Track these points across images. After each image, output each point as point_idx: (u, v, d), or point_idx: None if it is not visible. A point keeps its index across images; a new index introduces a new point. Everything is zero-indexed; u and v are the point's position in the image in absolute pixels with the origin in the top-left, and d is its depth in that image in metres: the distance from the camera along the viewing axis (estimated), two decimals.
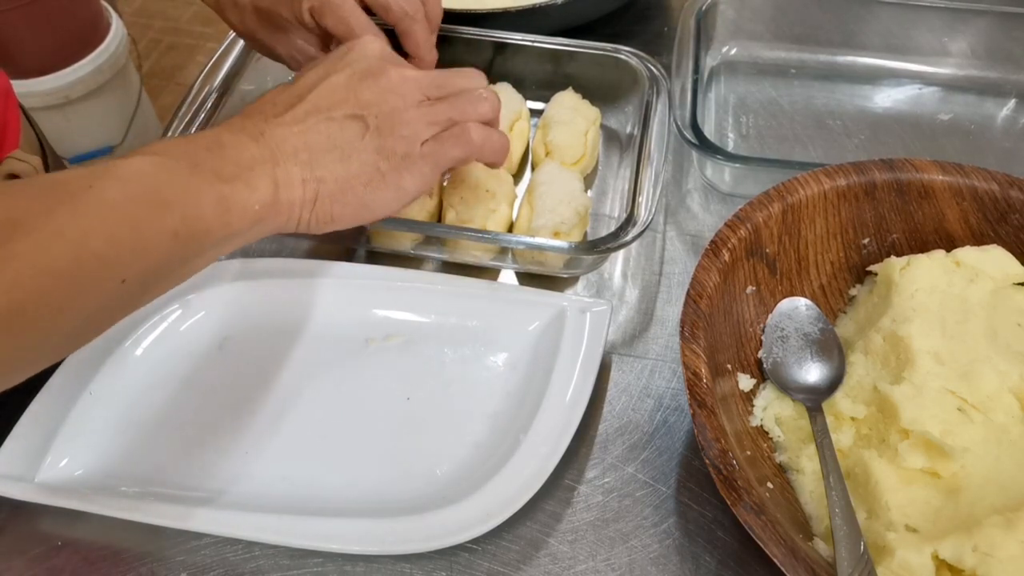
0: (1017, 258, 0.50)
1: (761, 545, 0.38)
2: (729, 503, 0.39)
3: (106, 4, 1.68)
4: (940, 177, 0.51)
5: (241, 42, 0.68)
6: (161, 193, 0.40)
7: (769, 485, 0.45)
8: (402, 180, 0.50)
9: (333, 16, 0.55)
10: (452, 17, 0.70)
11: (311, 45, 0.58)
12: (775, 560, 0.38)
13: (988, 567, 0.38)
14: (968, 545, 0.39)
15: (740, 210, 0.50)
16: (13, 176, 0.61)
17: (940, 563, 0.40)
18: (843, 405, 0.48)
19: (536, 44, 0.67)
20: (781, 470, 0.47)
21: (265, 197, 0.45)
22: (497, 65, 0.69)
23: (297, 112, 0.48)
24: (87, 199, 0.37)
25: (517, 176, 0.66)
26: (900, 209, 0.52)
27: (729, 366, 0.48)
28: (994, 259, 0.50)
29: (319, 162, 0.47)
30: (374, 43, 0.52)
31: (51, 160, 0.67)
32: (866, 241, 0.53)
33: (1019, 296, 0.49)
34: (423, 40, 0.58)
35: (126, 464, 0.50)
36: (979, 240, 0.51)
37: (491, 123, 0.53)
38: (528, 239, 0.55)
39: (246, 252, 0.62)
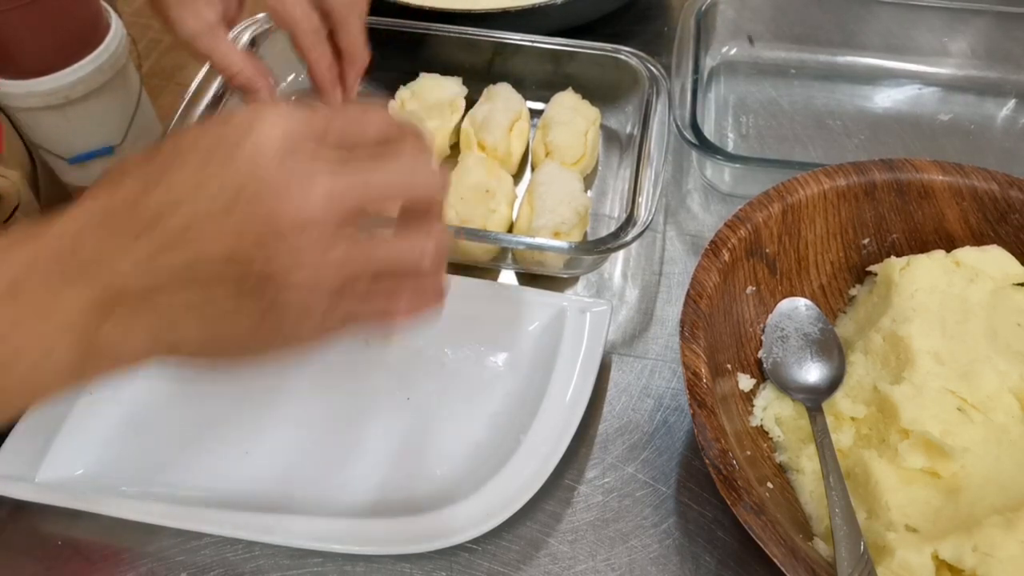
0: (1017, 258, 0.50)
1: (761, 545, 0.38)
2: (729, 503, 0.39)
3: (106, 4, 1.67)
4: (940, 177, 0.51)
5: (242, 41, 0.68)
6: None
7: (769, 485, 0.45)
8: (295, 331, 0.35)
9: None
10: (452, 17, 0.70)
11: (209, 13, 0.50)
12: (775, 560, 0.38)
13: (988, 567, 0.38)
14: (968, 545, 0.39)
15: (740, 210, 0.50)
16: None
17: (940, 563, 0.40)
18: (843, 405, 0.48)
19: (536, 44, 0.67)
20: (781, 470, 0.47)
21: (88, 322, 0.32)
22: (497, 65, 0.69)
23: (152, 249, 0.32)
24: None
25: (517, 176, 0.66)
26: (900, 209, 0.52)
27: (729, 366, 0.48)
28: (994, 259, 0.50)
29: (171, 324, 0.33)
30: (275, 126, 0.32)
31: (40, 167, 0.66)
32: (866, 241, 0.53)
33: (1019, 296, 0.49)
34: (357, 32, 0.52)
35: (126, 464, 0.50)
36: (979, 240, 0.51)
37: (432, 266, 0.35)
38: (528, 239, 0.55)
39: None
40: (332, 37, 0.52)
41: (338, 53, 0.52)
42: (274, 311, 0.33)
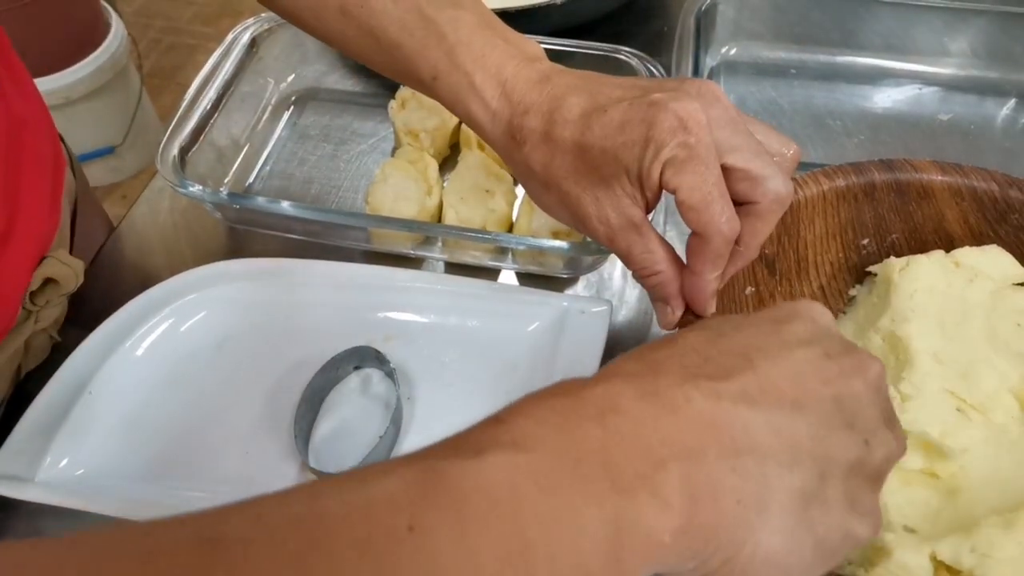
0: (1016, 258, 0.50)
1: None
2: None
3: (106, 4, 1.68)
4: (939, 177, 0.51)
5: (242, 41, 0.67)
6: (521, 525, 0.25)
7: None
8: (853, 525, 0.31)
9: (693, 177, 0.38)
10: None
11: (633, 209, 0.41)
12: None
13: (986, 568, 0.38)
14: (966, 546, 0.39)
15: None
16: (51, 281, 0.53)
17: (938, 564, 0.40)
18: None
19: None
20: None
21: (678, 519, 0.27)
22: None
23: (747, 383, 0.30)
24: (414, 559, 0.23)
25: None
26: (899, 209, 0.52)
27: None
28: (993, 259, 0.50)
29: (766, 474, 0.29)
30: (825, 312, 0.36)
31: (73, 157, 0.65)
32: (865, 242, 0.53)
33: (1018, 296, 0.49)
34: (767, 233, 0.42)
35: (126, 464, 0.50)
36: (978, 240, 0.51)
37: None
38: (528, 239, 0.55)
39: (247, 252, 0.63)
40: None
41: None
42: (859, 477, 0.32)
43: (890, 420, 0.34)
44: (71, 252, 0.59)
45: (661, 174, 0.38)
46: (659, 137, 0.38)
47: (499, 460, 0.26)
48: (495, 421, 0.28)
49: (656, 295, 0.43)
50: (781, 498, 0.29)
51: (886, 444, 0.33)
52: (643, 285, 0.43)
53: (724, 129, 0.39)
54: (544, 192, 0.43)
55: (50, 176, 0.56)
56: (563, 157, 0.41)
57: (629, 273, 0.60)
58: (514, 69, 0.43)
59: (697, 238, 0.40)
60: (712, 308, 0.42)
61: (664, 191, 0.39)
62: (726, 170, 0.39)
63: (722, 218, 0.38)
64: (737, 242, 0.41)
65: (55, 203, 0.57)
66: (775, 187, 0.39)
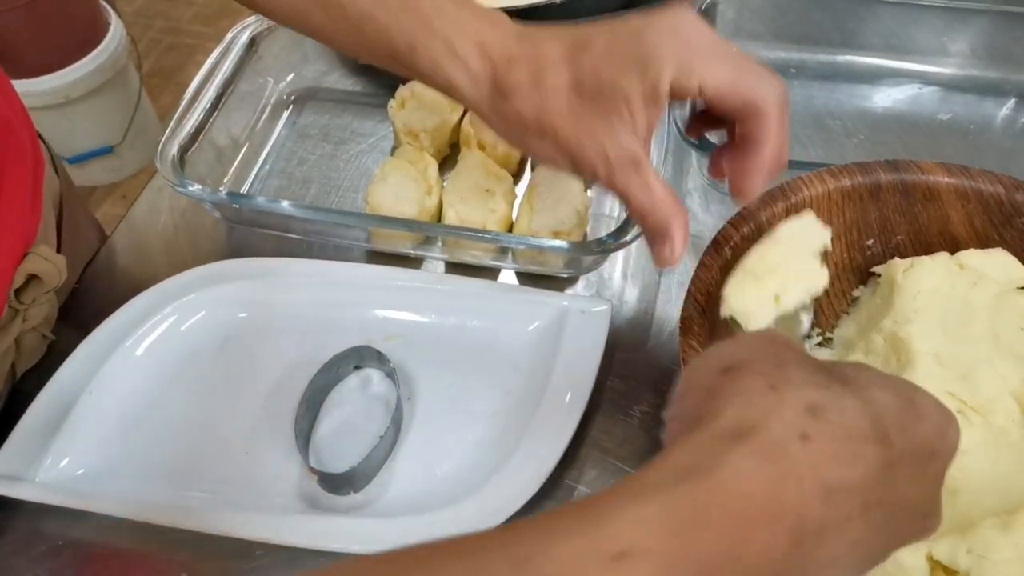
0: (1022, 262, 0.50)
1: None
2: None
3: (106, 4, 1.68)
4: (945, 179, 0.51)
5: (241, 41, 0.67)
6: None
7: None
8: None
9: (713, 64, 0.39)
10: None
11: (631, 140, 0.41)
12: None
13: (982, 569, 0.38)
14: (963, 547, 0.39)
15: (743, 209, 0.50)
16: (34, 277, 0.53)
17: (935, 564, 0.40)
18: None
19: None
20: None
21: None
22: None
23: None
24: None
25: (517, 176, 0.66)
26: (905, 211, 0.52)
27: None
28: (998, 262, 0.50)
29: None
30: (957, 431, 0.32)
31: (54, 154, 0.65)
32: (870, 242, 0.53)
33: (1022, 300, 0.49)
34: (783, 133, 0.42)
35: (126, 464, 0.50)
36: (984, 243, 0.51)
37: None
38: (528, 239, 0.55)
39: (247, 252, 0.63)
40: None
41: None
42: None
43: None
44: (59, 251, 0.59)
45: (675, 84, 0.39)
46: (659, 52, 0.39)
47: None
48: (611, 558, 0.24)
49: (654, 235, 0.43)
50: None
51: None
52: (641, 224, 0.43)
53: (704, 33, 0.40)
54: (539, 140, 0.43)
55: (31, 174, 0.56)
56: (556, 99, 0.41)
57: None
58: (491, 29, 0.43)
59: (751, 121, 0.41)
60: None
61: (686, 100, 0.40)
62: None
63: (764, 78, 0.40)
64: (763, 155, 0.42)
65: (36, 201, 0.57)
66: (773, 86, 0.41)
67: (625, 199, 0.42)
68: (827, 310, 0.53)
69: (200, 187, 0.58)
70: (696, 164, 0.67)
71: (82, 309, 0.59)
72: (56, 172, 0.64)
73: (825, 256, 0.45)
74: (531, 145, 0.44)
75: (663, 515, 0.25)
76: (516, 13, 0.70)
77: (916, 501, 0.31)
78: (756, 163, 0.42)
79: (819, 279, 0.45)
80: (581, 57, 0.41)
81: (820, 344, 0.53)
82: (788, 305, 0.44)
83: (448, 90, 0.44)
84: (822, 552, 0.27)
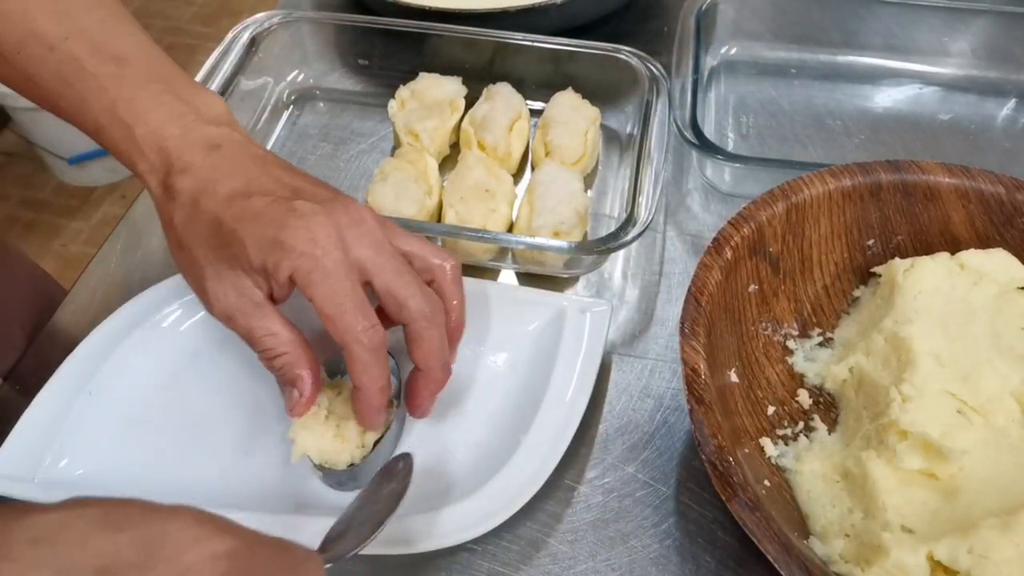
0: (1022, 262, 0.50)
1: (755, 541, 0.38)
2: (724, 499, 0.39)
3: None
4: (946, 179, 0.51)
5: (241, 41, 0.67)
6: None
7: (766, 483, 0.45)
8: None
9: (323, 289, 0.41)
10: (452, 17, 0.70)
11: (254, 291, 0.43)
12: (768, 556, 0.38)
13: (983, 569, 0.38)
14: (963, 547, 0.39)
15: (744, 208, 0.50)
16: None
17: (935, 564, 0.40)
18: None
19: (536, 44, 0.67)
20: (779, 469, 0.47)
21: None
22: (497, 65, 0.69)
23: None
24: None
25: (517, 176, 0.66)
26: (905, 211, 0.52)
27: (729, 364, 0.48)
28: (999, 262, 0.50)
29: None
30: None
31: None
32: (871, 242, 0.53)
33: (1023, 300, 0.49)
34: (436, 350, 0.44)
35: (126, 464, 0.50)
36: (984, 243, 0.51)
37: None
38: (528, 239, 0.55)
39: None
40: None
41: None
42: None
43: None
44: None
45: (291, 279, 0.41)
46: (288, 243, 0.41)
47: None
48: None
49: (283, 378, 0.44)
50: None
51: None
52: (270, 369, 0.44)
53: (365, 248, 0.42)
54: (178, 251, 0.45)
55: None
56: (199, 226, 0.43)
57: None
58: (180, 130, 0.45)
59: (344, 353, 0.42)
60: (380, 424, 0.46)
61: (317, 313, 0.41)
62: (375, 291, 0.42)
63: (358, 327, 0.41)
64: (418, 365, 0.45)
65: None
66: (417, 306, 0.42)
67: (249, 342, 0.43)
68: (827, 310, 0.53)
69: None
70: (696, 164, 0.67)
71: (81, 310, 0.59)
72: None
73: None
74: (173, 250, 0.46)
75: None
76: (516, 13, 0.70)
77: None
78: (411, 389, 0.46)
79: None
80: (236, 204, 0.42)
81: (821, 344, 0.53)
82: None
83: (134, 172, 0.47)
84: None
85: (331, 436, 0.47)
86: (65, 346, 0.53)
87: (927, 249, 0.52)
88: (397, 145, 0.67)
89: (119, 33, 0.48)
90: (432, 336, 0.44)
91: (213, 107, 0.47)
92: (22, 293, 0.66)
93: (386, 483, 0.44)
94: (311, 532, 0.45)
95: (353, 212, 0.43)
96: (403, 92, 0.67)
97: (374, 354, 0.42)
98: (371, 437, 0.48)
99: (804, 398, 0.50)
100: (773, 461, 0.47)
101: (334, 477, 0.48)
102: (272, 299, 0.43)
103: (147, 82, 0.46)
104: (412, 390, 0.46)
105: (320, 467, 0.48)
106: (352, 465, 0.47)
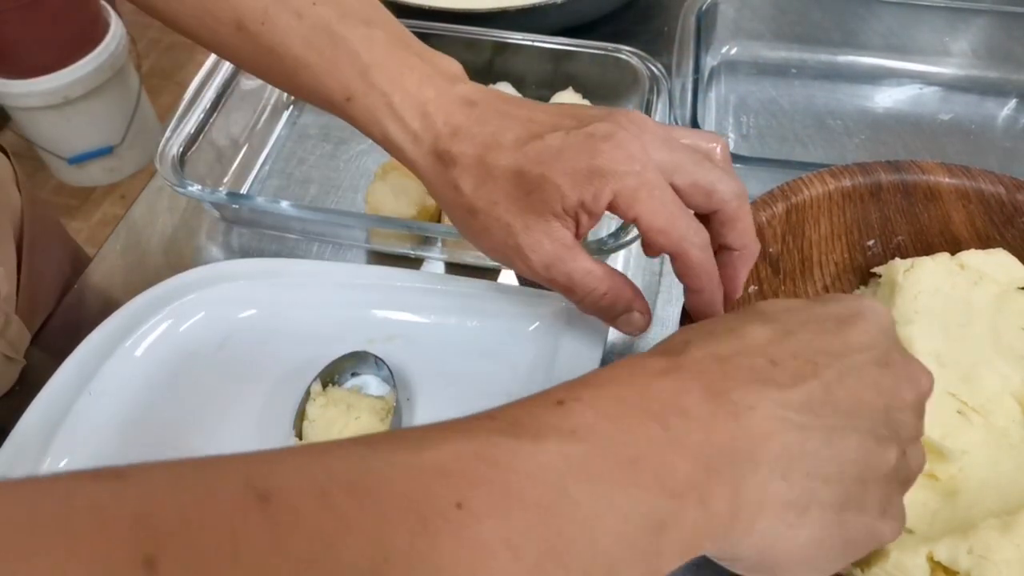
0: (1023, 262, 0.50)
1: None
2: None
3: (106, 4, 1.68)
4: (946, 179, 0.51)
5: None
6: (567, 519, 0.25)
7: None
8: (881, 528, 0.33)
9: (651, 203, 0.39)
10: (452, 17, 0.70)
11: (565, 233, 0.41)
12: None
13: (983, 570, 0.38)
14: (964, 547, 0.39)
15: None
16: None
17: (935, 565, 0.40)
18: None
19: (536, 44, 0.67)
20: None
21: (721, 528, 0.28)
22: (497, 65, 0.69)
23: (811, 393, 0.30)
24: (458, 537, 0.23)
25: None
26: (906, 211, 0.52)
27: None
28: (999, 262, 0.50)
29: (813, 483, 0.30)
30: (886, 315, 0.36)
31: (19, 171, 0.64)
32: (871, 242, 0.53)
33: (1023, 300, 0.49)
34: (751, 225, 0.42)
35: (126, 464, 0.50)
36: (985, 243, 0.51)
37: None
38: None
39: (246, 252, 0.63)
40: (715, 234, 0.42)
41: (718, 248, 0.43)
42: (895, 487, 0.33)
43: (921, 431, 0.35)
44: (19, 274, 0.58)
45: (613, 204, 0.39)
46: (606, 168, 0.39)
47: (556, 449, 0.26)
48: (556, 403, 0.28)
49: (612, 312, 0.43)
50: (823, 502, 0.30)
51: (919, 455, 0.35)
52: (594, 310, 0.43)
53: (660, 151, 0.40)
54: (470, 218, 0.42)
55: None
56: (495, 182, 0.41)
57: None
58: (435, 91, 0.42)
59: (679, 261, 0.41)
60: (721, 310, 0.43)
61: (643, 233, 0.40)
62: (676, 189, 0.40)
63: (690, 231, 0.40)
64: (733, 247, 0.42)
65: None
66: (727, 188, 0.41)
67: (569, 289, 0.42)
68: None
69: (200, 187, 0.58)
70: None
71: (81, 310, 0.59)
72: (19, 190, 0.63)
73: None
74: (462, 219, 0.43)
75: (602, 400, 0.29)
76: (516, 13, 0.70)
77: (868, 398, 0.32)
78: (689, 301, 0.43)
79: None
80: (531, 148, 0.40)
81: None
82: None
83: (386, 144, 0.43)
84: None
85: None
86: (65, 345, 0.53)
87: (927, 249, 0.52)
88: None
89: None
90: (747, 211, 0.42)
91: (451, 66, 0.44)
92: (58, 260, 0.67)
93: None
94: None
95: (636, 119, 0.40)
96: None
97: (708, 252, 0.41)
98: None
99: None
100: None
101: None
102: (579, 236, 0.42)
103: (395, 46, 0.43)
104: (730, 273, 0.43)
105: None
106: None
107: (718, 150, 0.43)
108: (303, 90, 0.45)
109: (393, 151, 0.44)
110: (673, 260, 0.41)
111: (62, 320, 0.59)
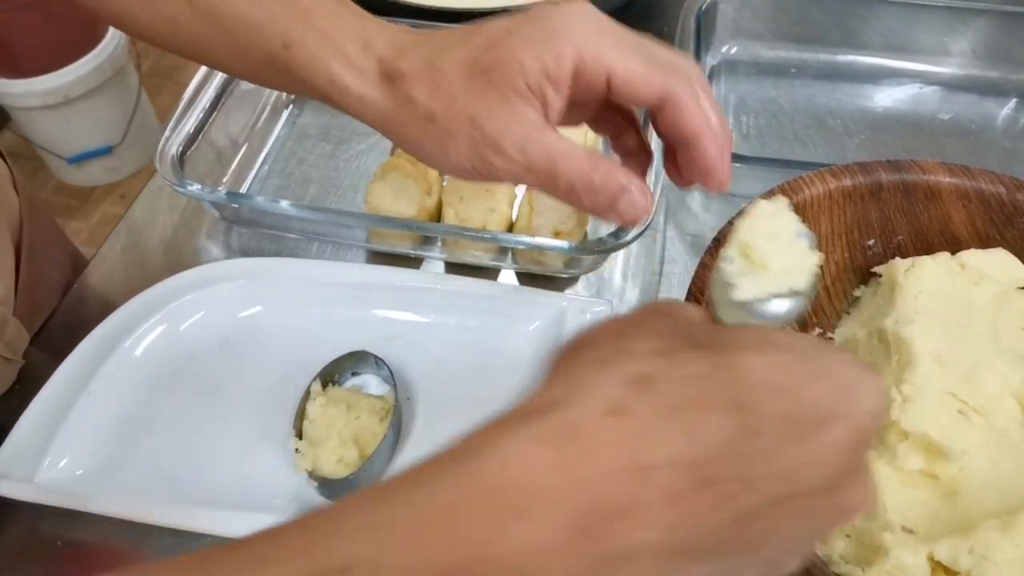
0: (1023, 262, 0.50)
1: None
2: None
3: None
4: (947, 179, 0.51)
5: None
6: None
7: None
8: None
9: (620, 53, 0.36)
10: (452, 17, 0.70)
11: (534, 114, 0.37)
12: None
13: (983, 569, 0.38)
14: (964, 547, 0.39)
15: (744, 208, 0.50)
16: None
17: (936, 565, 0.40)
18: None
19: None
20: None
21: None
22: None
23: (721, 537, 0.23)
24: None
25: None
26: (906, 211, 0.52)
27: None
28: (999, 262, 0.50)
29: None
30: (877, 393, 0.26)
31: (16, 173, 0.64)
32: (871, 242, 0.53)
33: (1023, 300, 0.49)
34: (713, 104, 0.38)
35: (126, 464, 0.50)
36: (985, 243, 0.51)
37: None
38: (528, 239, 0.55)
39: (246, 252, 0.62)
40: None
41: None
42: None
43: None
44: (17, 274, 0.58)
45: (580, 65, 0.36)
46: (563, 27, 0.36)
47: None
48: (340, 571, 0.22)
49: (608, 194, 0.37)
50: None
51: (858, 491, 0.27)
52: (587, 200, 0.38)
53: (608, 35, 0.38)
54: (431, 126, 0.38)
55: None
56: (449, 80, 0.37)
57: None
58: (377, 27, 0.40)
59: (669, 105, 0.37)
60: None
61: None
62: (613, 83, 0.37)
63: (677, 65, 0.37)
64: (700, 136, 0.37)
65: None
66: (685, 67, 0.38)
67: (550, 172, 0.37)
68: (827, 310, 0.53)
69: (199, 187, 0.58)
70: None
71: (81, 310, 0.59)
72: (17, 192, 0.63)
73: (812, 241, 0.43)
74: (426, 133, 0.39)
75: (400, 518, 0.23)
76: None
77: (804, 474, 0.24)
78: (707, 155, 0.37)
79: (812, 258, 0.41)
80: (476, 37, 0.38)
81: None
82: (779, 281, 0.41)
83: (330, 87, 0.40)
84: (626, 538, 0.22)
85: (332, 447, 0.47)
86: (65, 345, 0.53)
87: (927, 249, 0.52)
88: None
89: None
90: (706, 91, 0.37)
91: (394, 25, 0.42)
92: (57, 261, 0.66)
93: None
94: None
95: (589, 8, 0.38)
96: None
97: (709, 91, 0.38)
98: (370, 448, 0.48)
99: None
100: None
101: (330, 487, 0.48)
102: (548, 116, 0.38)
103: (335, 2, 0.41)
104: (706, 163, 0.38)
105: (314, 476, 0.48)
106: (349, 476, 0.47)
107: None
108: (243, 47, 0.42)
109: (338, 94, 0.40)
110: (659, 113, 0.37)
111: (62, 320, 0.59)
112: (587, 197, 0.37)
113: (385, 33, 0.40)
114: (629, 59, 0.36)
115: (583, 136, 0.63)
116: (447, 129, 0.38)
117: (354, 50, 0.40)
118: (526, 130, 0.36)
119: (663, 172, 0.57)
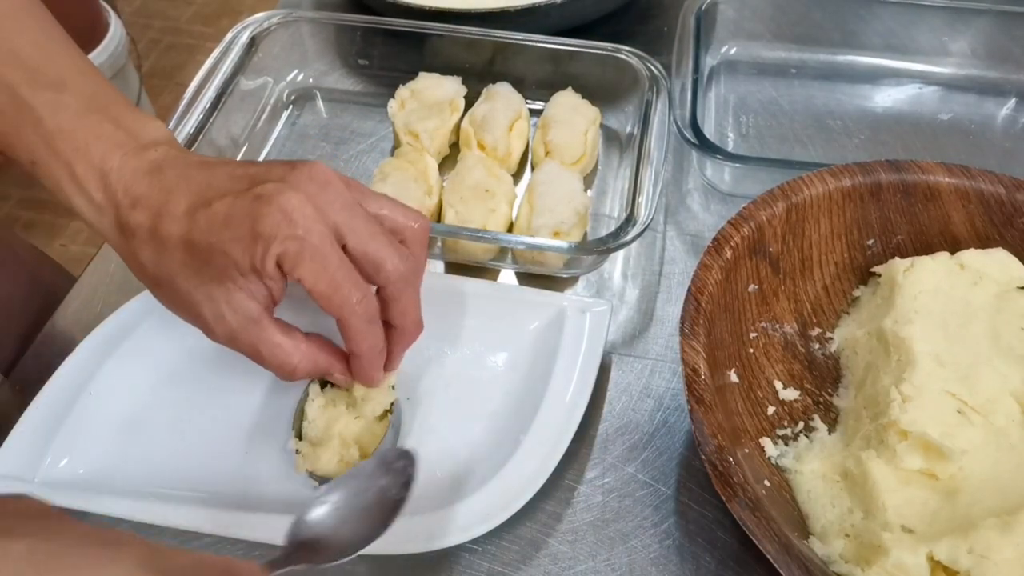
0: (1022, 261, 0.50)
1: (755, 541, 0.38)
2: (724, 499, 0.39)
3: (105, 4, 1.68)
4: (946, 179, 0.51)
5: (241, 41, 0.67)
6: None
7: (766, 483, 0.45)
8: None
9: (313, 266, 0.40)
10: (452, 17, 0.70)
11: (256, 301, 0.41)
12: (768, 556, 0.38)
13: (983, 569, 0.38)
14: (964, 547, 0.39)
15: (744, 208, 0.50)
16: None
17: (935, 564, 0.40)
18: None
19: (536, 44, 0.67)
20: (779, 469, 0.47)
21: None
22: (497, 65, 0.69)
23: None
24: None
25: (517, 176, 0.66)
26: (905, 210, 0.52)
27: (729, 364, 0.48)
28: (998, 262, 0.50)
29: None
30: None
31: None
32: (871, 242, 0.53)
33: (1022, 299, 0.49)
34: (412, 308, 0.45)
35: (126, 464, 0.50)
36: (984, 243, 0.51)
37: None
38: (528, 239, 0.55)
39: None
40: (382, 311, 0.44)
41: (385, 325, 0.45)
42: None
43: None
44: None
45: (280, 267, 0.40)
46: (267, 232, 0.39)
47: None
48: None
49: (314, 376, 0.45)
50: None
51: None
52: (291, 380, 0.44)
53: (340, 213, 0.40)
54: (158, 288, 0.43)
55: None
56: (172, 253, 0.41)
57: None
58: (120, 160, 0.42)
59: (339, 325, 0.42)
60: (384, 379, 0.47)
61: (310, 294, 0.40)
62: (349, 255, 0.41)
63: (353, 299, 0.41)
64: (392, 323, 0.44)
65: None
66: (393, 267, 0.41)
67: (257, 361, 0.43)
68: (827, 310, 0.53)
69: None
70: (696, 164, 0.67)
71: (82, 309, 0.59)
72: None
73: None
74: (154, 292, 0.44)
75: None
76: (516, 13, 0.70)
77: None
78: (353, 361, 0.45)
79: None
80: (200, 217, 0.40)
81: (820, 344, 0.53)
82: None
83: (75, 213, 0.43)
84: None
85: (332, 447, 0.47)
86: (65, 346, 0.53)
87: (927, 249, 0.52)
88: (397, 145, 0.67)
89: (56, 55, 0.44)
90: (409, 296, 0.43)
91: (152, 131, 0.44)
92: (24, 289, 0.66)
93: (382, 478, 0.43)
94: None
95: (318, 176, 0.41)
96: (403, 92, 0.67)
97: (371, 323, 0.42)
98: (371, 448, 0.48)
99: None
100: (773, 461, 0.47)
101: None
102: (273, 301, 0.42)
103: (86, 111, 0.43)
104: (388, 347, 0.46)
105: (315, 476, 0.47)
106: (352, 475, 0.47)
107: (415, 227, 0.44)
108: (11, 154, 0.44)
109: (81, 219, 0.44)
110: (339, 323, 0.42)
111: (62, 321, 0.59)
112: (286, 379, 0.44)
113: (126, 170, 0.42)
114: (318, 276, 0.40)
115: (583, 136, 0.64)
116: (170, 297, 0.43)
117: (94, 186, 0.42)
118: (239, 322, 0.41)
119: (663, 172, 0.58)
